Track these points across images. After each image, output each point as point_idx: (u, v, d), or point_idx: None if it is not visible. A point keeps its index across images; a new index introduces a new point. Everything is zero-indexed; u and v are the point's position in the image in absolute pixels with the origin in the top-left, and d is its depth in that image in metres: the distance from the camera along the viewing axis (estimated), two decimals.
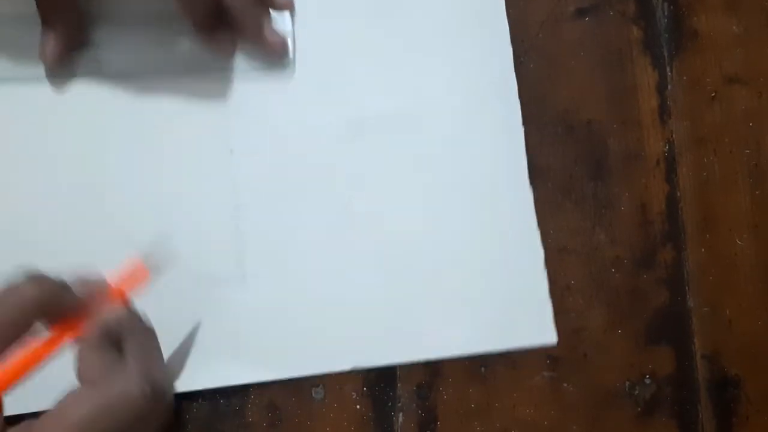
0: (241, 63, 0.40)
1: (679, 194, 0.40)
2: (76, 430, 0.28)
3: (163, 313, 0.35)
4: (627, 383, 0.38)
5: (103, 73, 0.40)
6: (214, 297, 0.38)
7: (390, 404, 0.38)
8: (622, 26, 0.41)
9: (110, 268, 0.34)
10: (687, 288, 0.39)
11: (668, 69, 0.41)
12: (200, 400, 0.38)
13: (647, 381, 0.38)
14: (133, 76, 0.40)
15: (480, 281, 0.38)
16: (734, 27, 0.41)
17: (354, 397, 0.38)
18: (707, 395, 0.38)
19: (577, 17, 0.41)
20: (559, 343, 0.38)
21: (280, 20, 0.40)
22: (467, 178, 0.39)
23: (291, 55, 0.40)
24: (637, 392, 0.38)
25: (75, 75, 0.40)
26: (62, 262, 0.33)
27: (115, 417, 0.29)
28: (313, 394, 0.38)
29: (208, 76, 0.40)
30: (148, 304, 0.34)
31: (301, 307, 0.38)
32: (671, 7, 0.41)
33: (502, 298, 0.38)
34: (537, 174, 0.40)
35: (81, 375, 0.31)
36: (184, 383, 0.37)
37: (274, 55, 0.40)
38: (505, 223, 0.39)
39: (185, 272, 0.38)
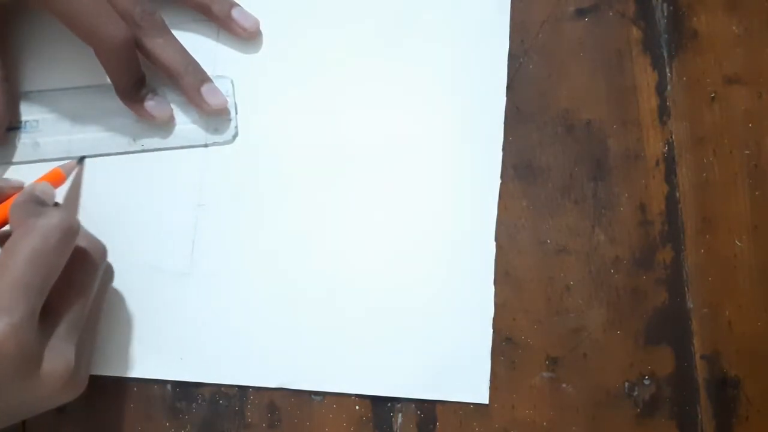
0: (184, 133, 0.40)
1: (678, 195, 0.40)
2: (19, 276, 0.30)
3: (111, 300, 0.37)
4: (626, 384, 0.38)
5: (40, 156, 0.39)
6: (157, 288, 0.38)
7: (389, 405, 0.38)
8: (622, 26, 0.41)
9: None
10: (686, 288, 0.39)
11: (668, 69, 0.41)
12: (200, 401, 0.38)
13: (647, 381, 0.38)
14: (72, 157, 0.39)
15: (428, 330, 0.38)
16: (734, 27, 0.41)
17: (353, 397, 0.38)
18: (707, 396, 0.38)
19: (576, 17, 0.41)
20: (558, 343, 0.38)
21: (221, 83, 0.40)
22: (435, 223, 0.39)
23: (232, 117, 0.40)
24: (636, 393, 0.38)
25: (11, 161, 0.39)
26: None
27: (50, 246, 0.31)
28: (313, 396, 0.38)
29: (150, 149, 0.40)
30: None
31: (234, 314, 0.38)
32: (671, 7, 0.41)
33: (445, 351, 0.38)
34: (537, 174, 0.40)
35: (12, 226, 0.33)
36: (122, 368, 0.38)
37: (213, 115, 0.40)
38: (465, 276, 0.39)
39: (135, 259, 0.38)
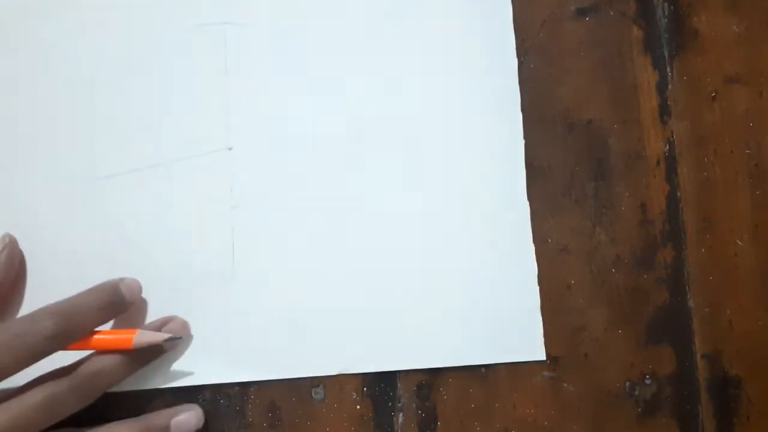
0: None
1: (679, 194, 0.40)
2: None
3: (153, 309, 0.38)
4: (627, 383, 0.38)
5: None
6: (204, 293, 0.38)
7: (390, 404, 0.38)
8: (623, 26, 0.41)
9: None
10: (687, 288, 0.39)
11: (668, 69, 0.41)
12: (200, 400, 0.38)
13: (647, 381, 0.38)
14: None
15: (473, 295, 0.38)
16: (734, 27, 0.41)
17: (354, 397, 0.38)
18: (708, 395, 0.38)
19: (577, 17, 0.41)
20: (559, 343, 0.38)
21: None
22: (466, 190, 0.39)
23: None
24: (637, 392, 0.38)
25: None
26: (61, 260, 0.38)
27: None
28: (313, 395, 0.38)
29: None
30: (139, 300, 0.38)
31: (287, 308, 0.38)
32: (671, 6, 0.41)
33: (493, 313, 0.38)
34: (537, 173, 0.40)
35: None
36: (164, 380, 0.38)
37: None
38: (502, 237, 0.39)
39: (178, 270, 0.38)
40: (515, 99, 0.40)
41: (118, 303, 0.36)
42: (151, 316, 0.38)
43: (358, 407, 0.38)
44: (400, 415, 0.38)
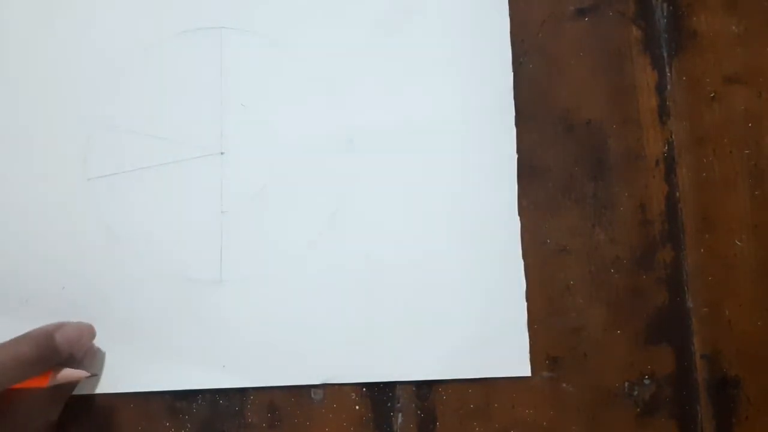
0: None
1: (678, 194, 0.40)
2: None
3: (140, 311, 0.38)
4: (626, 383, 0.38)
5: None
6: (191, 299, 0.38)
7: (389, 405, 0.38)
8: (622, 26, 0.41)
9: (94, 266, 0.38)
10: (686, 288, 0.39)
11: (668, 69, 0.41)
12: (200, 401, 0.38)
13: (647, 381, 0.38)
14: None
15: (461, 312, 0.38)
16: (734, 27, 0.41)
17: (353, 397, 0.38)
18: (707, 395, 0.38)
19: (576, 17, 0.41)
20: (558, 343, 0.38)
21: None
22: (456, 203, 0.39)
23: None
24: (636, 392, 0.38)
25: None
26: (48, 260, 0.38)
27: None
28: (313, 395, 0.38)
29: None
30: (125, 301, 0.38)
31: (272, 316, 0.38)
32: (671, 7, 0.41)
33: (482, 329, 0.38)
34: (537, 174, 0.40)
35: None
36: (151, 383, 0.38)
37: None
38: (491, 252, 0.39)
39: (166, 273, 0.38)
40: (510, 111, 0.40)
41: (48, 357, 0.33)
42: (138, 319, 0.38)
43: (357, 408, 0.38)
44: (399, 415, 0.38)
